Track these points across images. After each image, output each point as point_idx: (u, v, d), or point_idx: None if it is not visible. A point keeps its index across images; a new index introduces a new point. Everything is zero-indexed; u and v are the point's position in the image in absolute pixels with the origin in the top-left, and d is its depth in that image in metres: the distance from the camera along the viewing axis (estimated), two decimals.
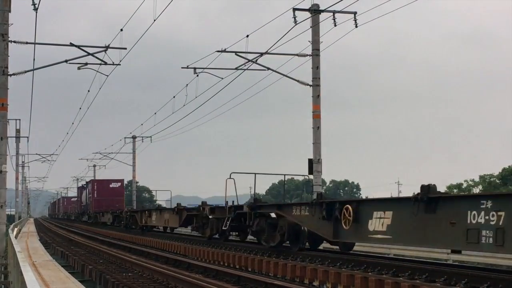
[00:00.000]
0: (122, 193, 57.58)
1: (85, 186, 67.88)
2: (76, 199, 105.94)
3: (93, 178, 79.42)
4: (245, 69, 28.10)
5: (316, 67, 26.57)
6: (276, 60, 29.18)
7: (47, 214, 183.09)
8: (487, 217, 10.02)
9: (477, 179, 77.01)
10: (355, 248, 26.23)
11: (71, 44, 26.68)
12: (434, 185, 11.50)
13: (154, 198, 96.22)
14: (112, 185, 56.84)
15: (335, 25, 25.51)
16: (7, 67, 23.80)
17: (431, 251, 24.81)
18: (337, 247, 17.65)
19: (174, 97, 36.82)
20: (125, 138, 61.41)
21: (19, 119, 59.54)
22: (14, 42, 24.89)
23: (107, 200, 54.75)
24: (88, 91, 35.55)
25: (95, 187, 57.06)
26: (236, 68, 28.32)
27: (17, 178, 71.39)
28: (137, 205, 63.58)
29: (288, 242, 17.73)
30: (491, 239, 9.97)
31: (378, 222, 12.58)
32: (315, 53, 26.52)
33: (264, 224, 18.51)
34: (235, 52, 27.26)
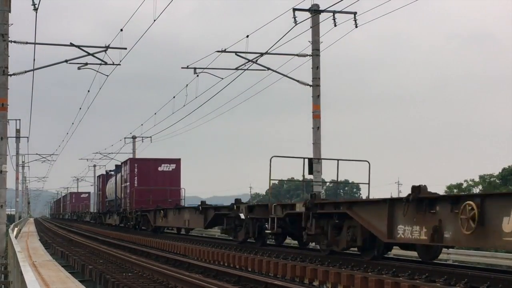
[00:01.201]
0: (179, 181, 37.06)
1: (112, 172, 48.63)
2: (87, 195, 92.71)
3: (100, 174, 56.68)
4: (245, 69, 28.12)
5: (316, 67, 26.59)
6: (276, 60, 29.22)
7: (48, 214, 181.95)
8: None
9: (477, 179, 76.98)
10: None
11: (71, 44, 26.69)
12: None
13: None
14: (163, 167, 36.90)
15: (335, 25, 25.53)
16: (7, 67, 23.80)
17: None
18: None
19: (174, 97, 36.81)
20: (125, 138, 61.34)
21: (19, 119, 59.58)
22: (14, 42, 24.91)
23: (157, 192, 35.93)
24: (88, 91, 35.55)
25: (136, 170, 36.81)
26: (236, 68, 28.34)
27: (17, 178, 71.41)
28: None
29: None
30: None
31: None
32: (315, 53, 26.54)
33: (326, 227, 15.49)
34: (235, 52, 27.28)
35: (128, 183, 37.62)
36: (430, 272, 11.80)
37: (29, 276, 8.29)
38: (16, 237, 32.24)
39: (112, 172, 48.16)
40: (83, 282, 15.59)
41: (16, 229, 43.09)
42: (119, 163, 45.34)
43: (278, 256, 17.04)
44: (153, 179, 36.32)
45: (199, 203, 25.68)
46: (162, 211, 31.00)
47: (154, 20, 23.66)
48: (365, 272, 12.90)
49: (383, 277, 11.94)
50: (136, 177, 36.78)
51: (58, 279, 15.26)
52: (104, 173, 54.05)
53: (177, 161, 37.32)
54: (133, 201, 36.07)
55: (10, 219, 63.29)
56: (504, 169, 74.34)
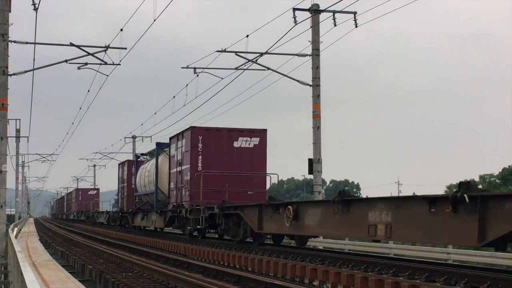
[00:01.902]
0: (264, 163, 24.95)
1: (145, 157, 37.28)
2: (95, 191, 79.94)
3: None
4: (245, 69, 28.17)
5: (316, 67, 26.61)
6: (276, 60, 29.27)
7: (49, 214, 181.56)
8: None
9: (477, 179, 77.04)
10: (356, 248, 26.24)
11: (71, 44, 26.75)
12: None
13: None
14: (241, 142, 24.90)
15: (335, 25, 25.56)
16: (7, 67, 23.84)
17: (431, 251, 24.85)
18: None
19: (174, 97, 36.88)
20: (125, 138, 61.53)
21: (19, 119, 59.65)
22: (14, 42, 24.96)
23: (235, 180, 24.34)
24: (88, 91, 35.66)
25: (201, 146, 24.74)
26: (236, 68, 28.40)
27: (17, 178, 71.45)
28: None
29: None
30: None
31: None
32: (315, 53, 26.56)
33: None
34: (235, 52, 27.33)
35: (187, 166, 25.07)
36: (430, 272, 11.80)
37: (29, 276, 8.29)
38: (16, 237, 32.25)
39: (146, 157, 37.03)
40: (83, 282, 15.60)
41: (16, 229, 43.09)
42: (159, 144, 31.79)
43: (278, 256, 17.04)
44: (227, 160, 24.60)
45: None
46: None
47: (154, 20, 23.71)
48: (365, 272, 12.89)
49: (383, 277, 11.93)
50: (200, 156, 24.64)
51: (58, 279, 15.27)
52: (132, 158, 40.64)
53: (261, 134, 25.05)
54: (200, 193, 23.56)
55: (10, 219, 63.28)
56: (504, 169, 74.42)
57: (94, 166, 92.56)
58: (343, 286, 12.81)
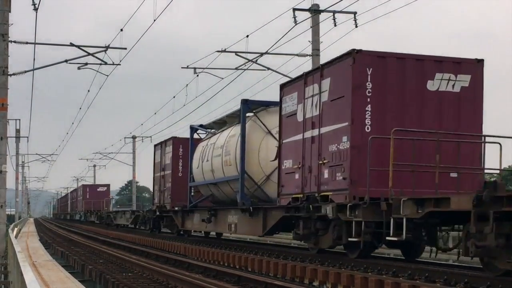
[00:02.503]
0: (480, 118, 14.90)
1: (207, 131, 25.82)
2: (105, 188, 70.18)
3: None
4: (245, 69, 28.18)
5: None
6: (276, 60, 29.29)
7: (50, 214, 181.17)
8: None
9: None
10: None
11: (71, 44, 26.75)
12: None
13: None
14: (438, 81, 14.61)
15: (335, 25, 25.57)
16: (7, 67, 23.83)
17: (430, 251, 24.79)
18: None
19: (174, 97, 36.93)
20: (125, 138, 61.57)
21: (19, 119, 59.65)
22: (14, 42, 24.96)
23: (431, 149, 13.49)
24: (88, 91, 35.71)
25: (372, 84, 14.09)
26: (236, 68, 28.42)
27: (17, 178, 71.41)
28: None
29: None
30: None
31: None
32: (315, 53, 26.56)
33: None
34: (235, 52, 27.34)
35: (341, 125, 14.55)
36: (430, 272, 11.81)
37: (29, 276, 8.30)
38: (16, 237, 32.25)
39: (209, 131, 25.73)
40: (83, 282, 15.59)
41: (16, 229, 43.09)
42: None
43: (278, 256, 17.05)
44: (415, 114, 14.65)
45: None
46: None
47: (154, 20, 23.70)
48: (365, 272, 12.90)
49: (383, 277, 11.94)
50: (369, 106, 14.27)
51: (58, 279, 15.26)
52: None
53: (474, 68, 14.96)
54: (390, 174, 13.03)
55: (10, 219, 63.20)
56: (504, 169, 74.49)
57: (94, 166, 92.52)
58: (343, 286, 12.82)
